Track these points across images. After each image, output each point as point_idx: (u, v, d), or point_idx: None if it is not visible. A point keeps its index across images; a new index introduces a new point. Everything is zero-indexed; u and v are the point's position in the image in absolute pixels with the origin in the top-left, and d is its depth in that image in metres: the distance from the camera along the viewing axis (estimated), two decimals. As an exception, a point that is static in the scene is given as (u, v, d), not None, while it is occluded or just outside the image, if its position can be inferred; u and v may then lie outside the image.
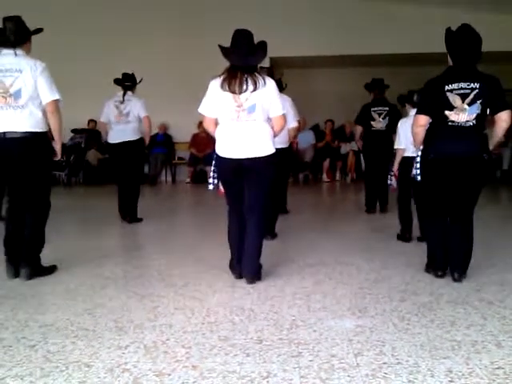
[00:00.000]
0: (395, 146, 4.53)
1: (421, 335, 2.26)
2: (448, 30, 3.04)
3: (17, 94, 3.17)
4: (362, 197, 6.34)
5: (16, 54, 3.20)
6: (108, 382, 1.88)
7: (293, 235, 4.61)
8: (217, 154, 3.20)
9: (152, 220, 5.58)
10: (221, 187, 3.29)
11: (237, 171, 3.13)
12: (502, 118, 2.97)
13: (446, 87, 2.97)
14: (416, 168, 3.24)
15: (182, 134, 10.14)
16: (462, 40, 2.97)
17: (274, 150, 3.16)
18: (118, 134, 5.39)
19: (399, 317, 2.50)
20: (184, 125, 9.77)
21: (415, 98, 4.43)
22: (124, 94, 5.37)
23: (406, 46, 9.42)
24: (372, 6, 9.68)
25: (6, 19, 3.25)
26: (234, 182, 3.19)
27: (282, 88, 4.44)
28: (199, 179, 9.92)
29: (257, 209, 3.15)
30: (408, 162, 4.35)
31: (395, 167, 4.45)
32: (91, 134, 10.01)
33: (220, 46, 3.11)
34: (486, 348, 2.12)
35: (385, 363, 1.99)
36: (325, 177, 9.98)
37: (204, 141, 9.95)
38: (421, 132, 3.13)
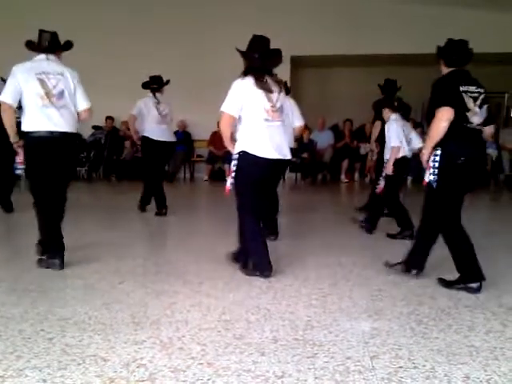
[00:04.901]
0: (392, 144, 4.45)
1: (438, 340, 2.23)
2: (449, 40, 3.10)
3: (59, 95, 3.36)
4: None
5: (48, 59, 3.39)
6: (124, 376, 1.90)
7: (309, 236, 4.59)
8: (248, 154, 3.10)
9: (170, 217, 5.62)
10: (227, 186, 3.21)
11: (269, 171, 3.18)
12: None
13: (461, 88, 2.93)
14: (434, 174, 2.96)
15: (201, 131, 10.20)
16: (459, 48, 3.04)
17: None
18: (163, 132, 5.65)
19: (416, 320, 2.47)
20: (203, 123, 9.82)
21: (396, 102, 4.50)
22: (154, 96, 5.61)
23: (428, 45, 9.30)
24: (393, 5, 9.58)
25: (42, 30, 3.44)
26: (262, 182, 3.21)
27: (287, 92, 4.42)
28: (217, 177, 9.96)
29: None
30: (399, 162, 4.41)
31: (390, 164, 4.43)
32: (110, 133, 10.14)
33: (238, 50, 3.12)
34: (504, 355, 2.08)
35: (401, 367, 1.97)
36: (343, 177, 9.91)
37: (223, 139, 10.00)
38: (445, 128, 2.88)
